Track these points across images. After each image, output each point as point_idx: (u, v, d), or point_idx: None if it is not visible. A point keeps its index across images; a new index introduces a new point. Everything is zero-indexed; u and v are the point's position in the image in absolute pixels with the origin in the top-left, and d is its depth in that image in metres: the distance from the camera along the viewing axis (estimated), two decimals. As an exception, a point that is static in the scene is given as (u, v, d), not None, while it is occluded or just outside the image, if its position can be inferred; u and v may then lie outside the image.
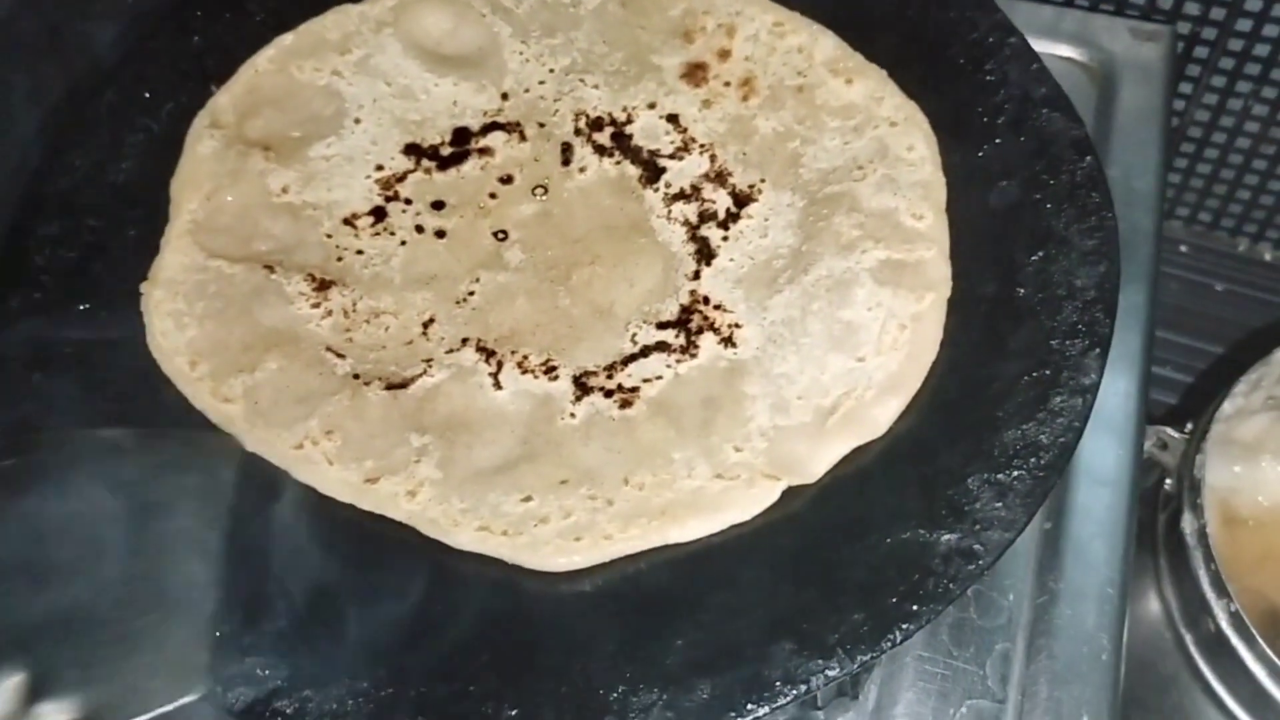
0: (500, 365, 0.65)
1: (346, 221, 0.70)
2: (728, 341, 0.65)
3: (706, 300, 0.67)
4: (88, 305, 0.65)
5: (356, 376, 0.64)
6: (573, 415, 0.63)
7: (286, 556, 0.57)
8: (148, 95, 0.73)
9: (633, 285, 0.68)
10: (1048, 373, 0.61)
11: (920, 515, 0.57)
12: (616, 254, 0.69)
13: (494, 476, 0.61)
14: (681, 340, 0.65)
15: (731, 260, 0.68)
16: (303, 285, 0.67)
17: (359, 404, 0.62)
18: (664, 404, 0.63)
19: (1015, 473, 0.58)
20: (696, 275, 0.68)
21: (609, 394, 0.63)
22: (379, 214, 0.70)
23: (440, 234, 0.70)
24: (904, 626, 0.54)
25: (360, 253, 0.69)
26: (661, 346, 0.65)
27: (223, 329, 0.65)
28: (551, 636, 0.56)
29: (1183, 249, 1.24)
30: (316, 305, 0.66)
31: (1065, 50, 0.94)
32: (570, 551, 0.58)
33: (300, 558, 0.57)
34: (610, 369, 0.65)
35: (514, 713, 0.53)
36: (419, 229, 0.70)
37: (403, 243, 0.69)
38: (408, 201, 0.71)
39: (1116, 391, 0.77)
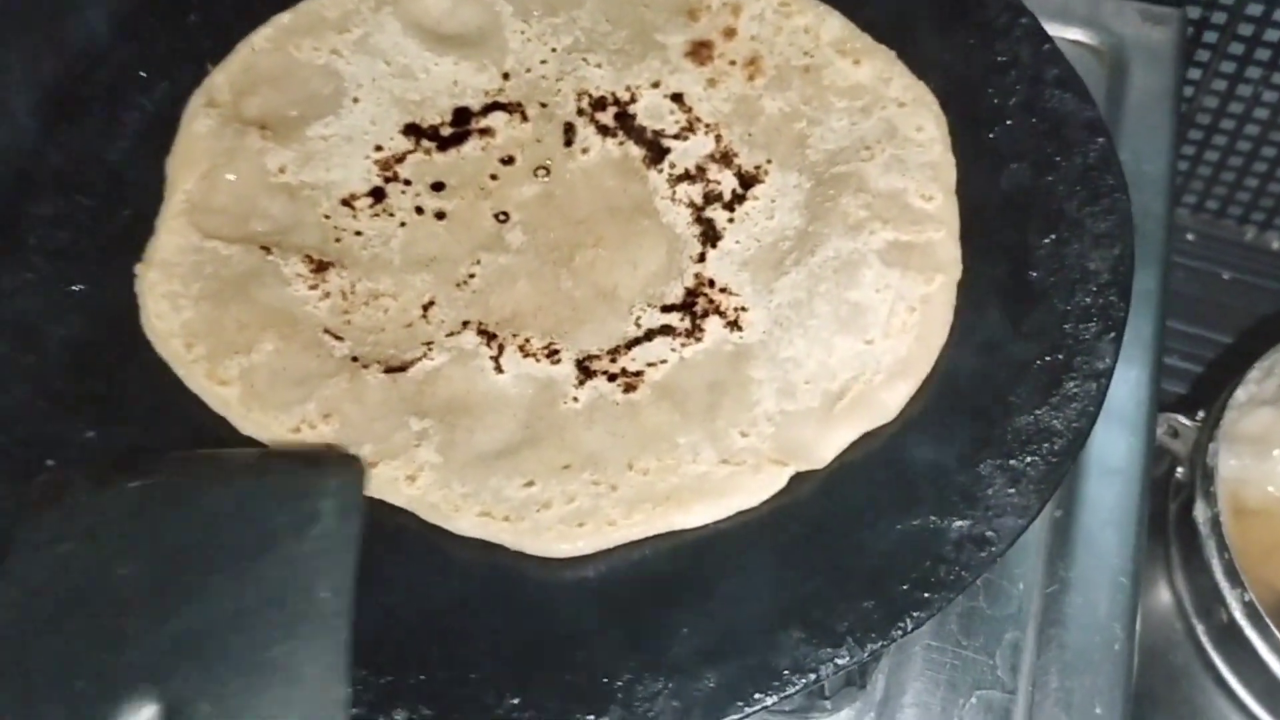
0: (501, 348, 0.63)
1: (345, 202, 0.69)
2: (733, 325, 0.64)
3: (712, 283, 0.65)
4: (82, 286, 0.64)
5: (355, 359, 0.63)
6: (575, 399, 0.62)
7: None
8: (143, 74, 0.72)
9: (636, 268, 0.66)
10: (1061, 357, 0.60)
11: (931, 501, 0.57)
12: (620, 236, 0.68)
13: (495, 461, 0.59)
14: (686, 324, 0.64)
15: (737, 242, 0.67)
16: (300, 266, 0.65)
17: (358, 387, 0.61)
18: (668, 388, 0.62)
19: (1028, 459, 0.57)
20: (702, 257, 0.66)
21: (612, 378, 0.62)
22: (378, 195, 0.69)
23: (440, 215, 0.68)
24: (915, 614, 0.53)
25: (359, 234, 0.68)
26: (666, 330, 0.64)
27: (219, 310, 0.63)
28: (554, 624, 0.55)
29: (1190, 237, 1.23)
30: (314, 287, 0.65)
31: (1075, 33, 0.93)
32: (573, 537, 0.57)
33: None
34: (614, 352, 0.63)
35: (516, 700, 0.52)
36: (419, 210, 0.69)
37: (402, 224, 0.68)
38: (407, 182, 0.70)
39: (1128, 379, 0.76)
